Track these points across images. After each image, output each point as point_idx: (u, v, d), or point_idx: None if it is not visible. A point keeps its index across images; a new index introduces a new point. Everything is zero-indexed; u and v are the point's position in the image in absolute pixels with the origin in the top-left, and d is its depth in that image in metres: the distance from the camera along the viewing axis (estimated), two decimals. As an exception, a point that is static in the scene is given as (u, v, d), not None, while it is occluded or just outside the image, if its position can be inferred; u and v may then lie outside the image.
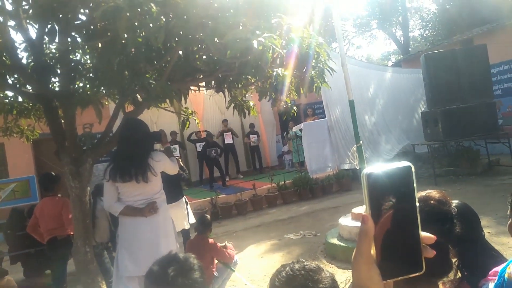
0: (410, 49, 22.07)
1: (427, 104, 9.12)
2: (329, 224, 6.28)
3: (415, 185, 0.56)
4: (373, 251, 0.56)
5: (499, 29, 10.72)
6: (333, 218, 6.38)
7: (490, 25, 11.25)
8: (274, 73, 3.32)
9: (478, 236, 1.54)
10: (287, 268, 1.17)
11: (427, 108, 9.15)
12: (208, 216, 4.23)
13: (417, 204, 0.56)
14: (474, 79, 8.23)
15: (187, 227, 4.92)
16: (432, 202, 1.30)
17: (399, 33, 23.12)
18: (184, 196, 5.04)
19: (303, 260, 1.21)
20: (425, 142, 9.02)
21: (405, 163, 0.56)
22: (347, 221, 5.18)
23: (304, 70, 3.21)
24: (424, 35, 23.13)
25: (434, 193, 1.35)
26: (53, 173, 4.39)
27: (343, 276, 4.29)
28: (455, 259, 1.51)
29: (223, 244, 4.01)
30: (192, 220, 5.08)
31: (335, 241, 5.10)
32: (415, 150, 10.03)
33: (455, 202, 1.54)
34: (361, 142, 4.95)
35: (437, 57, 8.51)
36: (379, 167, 0.56)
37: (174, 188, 4.52)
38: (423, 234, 0.56)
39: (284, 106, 4.40)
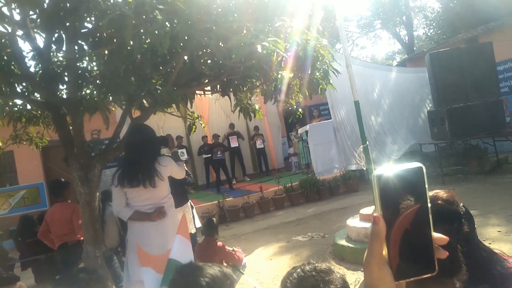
0: (414, 48, 21.98)
1: (433, 103, 9.07)
2: (337, 226, 6.26)
3: (426, 186, 0.56)
4: (384, 251, 0.56)
5: (504, 26, 10.64)
6: (340, 220, 6.36)
7: (495, 23, 11.17)
8: (279, 76, 3.34)
9: (473, 235, 1.53)
10: (298, 270, 1.18)
11: (433, 107, 9.09)
12: (214, 219, 4.24)
13: (429, 205, 0.56)
14: (480, 77, 8.16)
15: (193, 231, 4.92)
16: (439, 202, 1.30)
17: (403, 33, 23.04)
18: (190, 200, 5.06)
19: (314, 262, 1.22)
20: (432, 142, 8.96)
21: (416, 164, 0.56)
22: (355, 222, 5.17)
23: (310, 71, 3.22)
24: (429, 34, 23.01)
25: (441, 193, 1.35)
26: (62, 179, 4.44)
27: (352, 278, 4.28)
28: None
29: (231, 249, 4.03)
30: (198, 224, 5.10)
31: (343, 242, 5.08)
32: (422, 149, 9.97)
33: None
34: (367, 142, 4.94)
35: (442, 56, 8.46)
36: (390, 168, 0.56)
37: (179, 192, 4.54)
38: (435, 235, 0.57)
39: (290, 108, 4.41)
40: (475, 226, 1.49)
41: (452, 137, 8.19)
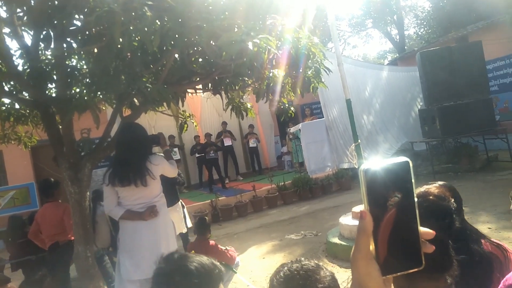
0: (405, 47, 22.12)
1: (424, 101, 9.14)
2: (330, 224, 6.28)
3: (413, 180, 0.56)
4: (371, 247, 0.56)
5: (494, 25, 10.76)
6: (333, 218, 6.38)
7: (485, 22, 11.29)
8: (270, 74, 3.33)
9: (460, 210, 1.55)
10: (285, 268, 1.16)
11: (424, 105, 9.17)
12: (206, 218, 4.22)
13: (416, 199, 0.56)
14: (470, 75, 8.25)
15: (184, 230, 4.90)
16: (431, 197, 1.31)
17: (394, 32, 23.18)
18: (180, 200, 5.03)
19: (302, 259, 1.20)
20: (423, 140, 9.03)
21: (403, 159, 0.56)
22: (347, 220, 5.19)
23: (301, 70, 3.22)
24: (419, 33, 23.19)
25: (433, 188, 1.36)
26: (52, 179, 4.39)
27: (344, 275, 4.29)
28: None
29: (224, 248, 4.01)
30: (189, 223, 5.07)
31: (336, 240, 5.10)
32: (413, 147, 10.05)
33: (441, 183, 1.55)
34: (359, 141, 4.96)
35: (432, 55, 8.53)
36: (377, 163, 0.55)
37: (170, 192, 4.50)
38: (422, 229, 0.56)
39: (282, 107, 4.41)
40: (462, 206, 1.52)
41: (443, 135, 8.26)
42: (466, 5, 14.46)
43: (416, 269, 0.56)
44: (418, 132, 9.76)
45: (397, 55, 19.45)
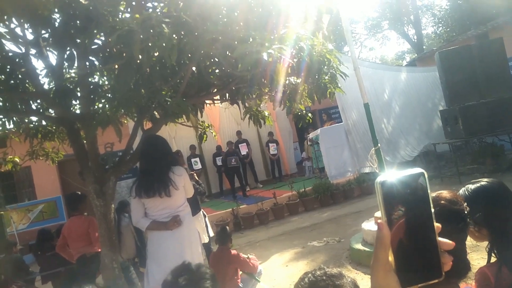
0: (424, 47, 21.80)
1: (446, 102, 8.96)
2: (353, 230, 6.20)
3: (429, 190, 0.56)
4: (391, 258, 0.56)
5: (514, 21, 10.48)
6: (356, 223, 6.30)
7: (505, 18, 11.01)
8: (287, 82, 3.36)
9: None
10: (310, 275, 1.20)
11: (446, 106, 8.99)
12: (227, 227, 4.24)
13: (433, 210, 0.56)
14: (492, 73, 8.05)
15: (206, 240, 4.93)
16: (442, 202, 1.30)
17: (412, 32, 22.88)
18: (202, 210, 5.07)
19: (325, 267, 1.24)
20: (446, 141, 8.83)
21: (417, 170, 0.57)
22: (370, 225, 5.11)
23: (317, 76, 3.23)
24: (438, 32, 22.81)
25: (444, 193, 1.35)
26: (79, 193, 4.52)
27: (369, 282, 4.23)
28: (488, 244, 1.53)
29: (246, 256, 4.02)
30: (211, 233, 5.11)
31: (359, 246, 5.03)
32: (436, 149, 9.84)
33: (486, 180, 1.54)
34: (379, 145, 4.90)
35: (452, 54, 8.38)
36: (393, 174, 0.56)
37: (191, 201, 4.57)
38: (440, 239, 0.57)
39: (299, 113, 4.42)
40: None
41: (466, 135, 8.06)
42: (485, 2, 14.14)
43: (436, 281, 0.56)
44: (440, 133, 9.55)
45: (416, 55, 19.17)
